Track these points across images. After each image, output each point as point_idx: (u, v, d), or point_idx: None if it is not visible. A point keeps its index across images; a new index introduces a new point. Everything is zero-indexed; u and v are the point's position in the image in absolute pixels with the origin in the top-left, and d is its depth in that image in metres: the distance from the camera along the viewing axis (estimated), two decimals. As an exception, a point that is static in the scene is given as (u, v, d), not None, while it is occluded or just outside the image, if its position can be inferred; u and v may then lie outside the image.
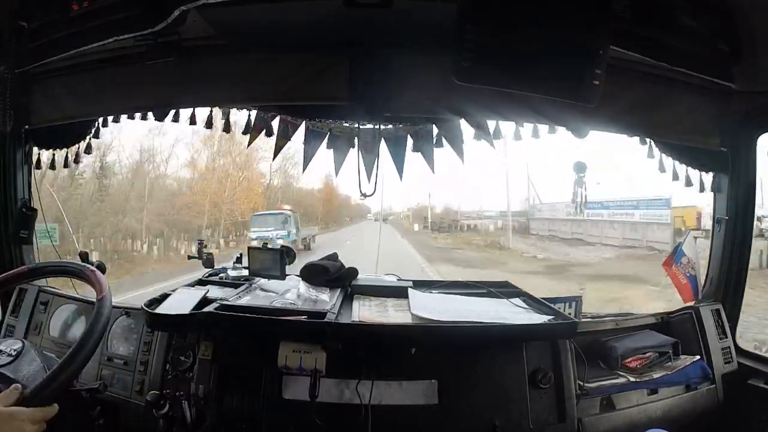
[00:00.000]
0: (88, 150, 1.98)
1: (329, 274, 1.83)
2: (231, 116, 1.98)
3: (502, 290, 1.81)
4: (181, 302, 1.56)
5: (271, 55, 1.64)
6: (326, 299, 1.65)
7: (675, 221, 15.61)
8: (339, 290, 1.77)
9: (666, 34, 1.35)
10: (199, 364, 1.47)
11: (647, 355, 1.62)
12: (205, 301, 1.58)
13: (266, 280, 1.82)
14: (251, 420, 1.41)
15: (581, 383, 1.51)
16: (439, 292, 1.82)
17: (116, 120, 1.93)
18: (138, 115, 1.87)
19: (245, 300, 1.64)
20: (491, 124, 1.96)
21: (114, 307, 1.28)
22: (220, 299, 1.56)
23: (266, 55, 1.64)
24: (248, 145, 2.08)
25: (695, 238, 2.04)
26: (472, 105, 1.65)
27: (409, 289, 1.74)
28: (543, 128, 1.86)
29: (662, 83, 1.64)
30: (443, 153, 2.09)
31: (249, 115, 1.99)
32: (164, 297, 1.60)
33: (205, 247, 2.18)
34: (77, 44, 1.42)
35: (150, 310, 1.46)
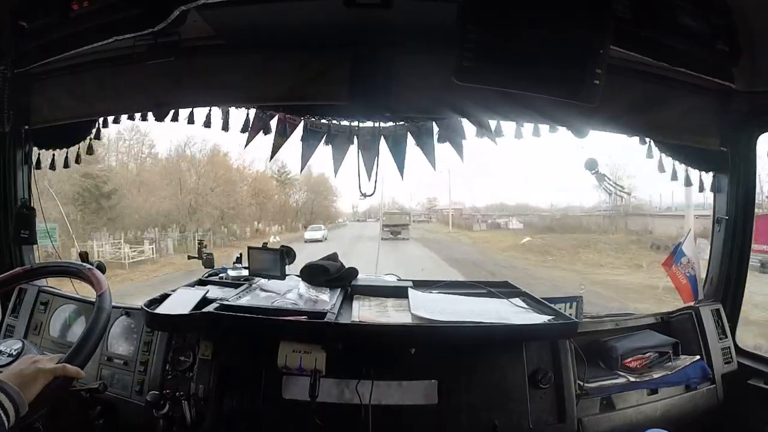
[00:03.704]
0: (90, 151, 1.98)
1: (329, 274, 1.83)
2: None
3: (502, 290, 1.81)
4: (180, 302, 1.56)
5: (271, 55, 1.63)
6: (326, 299, 1.65)
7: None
8: (339, 290, 1.77)
9: (666, 34, 1.35)
10: (199, 364, 1.47)
11: (647, 355, 1.63)
12: (204, 301, 1.58)
13: (266, 280, 1.82)
14: (251, 420, 1.40)
15: (581, 383, 1.51)
16: (439, 292, 1.82)
17: (116, 120, 1.93)
18: (138, 115, 1.88)
19: (245, 300, 1.64)
20: (492, 123, 1.96)
21: (114, 307, 1.29)
22: (220, 299, 1.56)
23: (266, 55, 1.64)
24: (246, 146, 2.06)
25: (695, 237, 2.04)
26: (472, 105, 1.65)
27: (409, 289, 1.74)
28: (543, 128, 1.86)
29: (662, 83, 1.64)
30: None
31: (247, 114, 1.99)
32: (164, 297, 1.60)
33: (206, 246, 2.18)
34: (77, 44, 1.42)
35: (150, 310, 1.46)
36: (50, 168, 1.97)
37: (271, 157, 2.10)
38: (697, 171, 1.86)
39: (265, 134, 2.03)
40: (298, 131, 2.08)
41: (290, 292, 1.69)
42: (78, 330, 1.69)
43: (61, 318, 1.74)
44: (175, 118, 1.89)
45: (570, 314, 1.80)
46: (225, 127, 1.98)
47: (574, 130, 1.72)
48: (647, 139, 1.84)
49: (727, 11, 1.34)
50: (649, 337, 1.72)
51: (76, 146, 1.95)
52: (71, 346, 1.13)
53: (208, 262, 2.12)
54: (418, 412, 1.42)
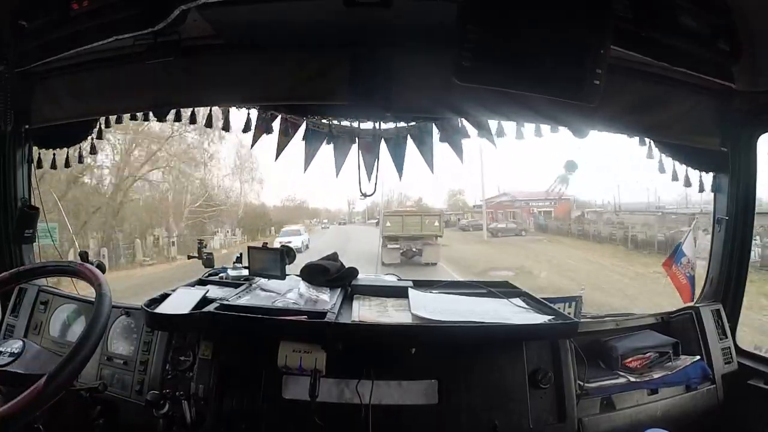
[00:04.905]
0: (93, 150, 1.99)
1: (329, 274, 1.83)
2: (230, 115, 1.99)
3: (502, 290, 1.81)
4: (180, 302, 1.56)
5: (272, 55, 1.64)
6: (326, 299, 1.65)
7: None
8: (339, 290, 1.77)
9: (666, 34, 1.34)
10: (199, 364, 1.47)
11: (647, 355, 1.63)
12: (204, 300, 1.58)
13: (266, 279, 1.82)
14: (251, 420, 1.40)
15: (581, 383, 1.51)
16: (439, 292, 1.82)
17: (119, 120, 1.94)
18: (139, 114, 1.88)
19: (245, 300, 1.64)
20: (492, 123, 1.96)
21: (114, 306, 1.28)
22: (220, 299, 1.56)
23: (266, 55, 1.64)
24: (252, 146, 2.06)
25: (695, 238, 2.04)
26: (472, 105, 1.65)
27: (409, 289, 1.74)
28: (543, 128, 1.87)
29: (662, 83, 1.64)
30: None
31: (248, 115, 1.99)
32: (164, 297, 1.60)
33: (205, 246, 2.18)
34: (77, 44, 1.42)
35: (150, 310, 1.46)
36: (51, 168, 1.97)
37: (276, 158, 2.10)
38: (697, 171, 1.86)
39: (268, 134, 2.04)
40: (301, 131, 2.09)
41: (290, 292, 1.69)
42: (78, 329, 1.69)
43: (61, 317, 1.74)
44: (177, 118, 1.90)
45: (569, 314, 1.80)
46: (226, 126, 1.98)
47: (574, 130, 1.72)
48: (647, 140, 1.84)
49: (727, 11, 1.34)
50: (649, 337, 1.72)
51: (77, 146, 1.96)
52: (71, 345, 1.13)
53: (208, 262, 2.12)
54: (418, 412, 1.42)
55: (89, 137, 1.95)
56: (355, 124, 2.08)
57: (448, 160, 2.16)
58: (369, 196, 2.02)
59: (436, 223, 13.14)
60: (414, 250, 12.13)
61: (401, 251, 12.03)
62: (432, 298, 1.70)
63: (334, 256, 1.97)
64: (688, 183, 1.87)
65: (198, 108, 1.88)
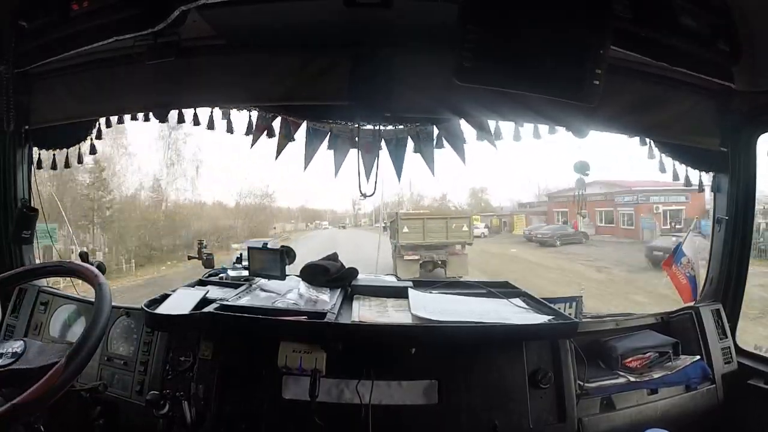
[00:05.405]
0: (93, 151, 1.98)
1: (329, 274, 1.83)
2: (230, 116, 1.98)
3: (502, 290, 1.81)
4: (180, 302, 1.56)
5: (272, 55, 1.63)
6: (326, 299, 1.65)
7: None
8: (339, 290, 1.77)
9: (666, 34, 1.35)
10: (199, 364, 1.47)
11: (647, 355, 1.62)
12: (205, 301, 1.58)
13: (266, 280, 1.82)
14: (251, 420, 1.40)
15: (581, 383, 1.51)
16: (439, 293, 1.82)
17: (120, 121, 1.94)
18: (140, 115, 1.88)
19: (245, 300, 1.64)
20: (492, 124, 1.96)
21: (114, 307, 1.28)
22: (220, 299, 1.56)
23: (266, 55, 1.64)
24: (251, 146, 2.06)
25: (695, 238, 2.04)
26: (472, 105, 1.65)
27: (409, 290, 1.74)
28: (543, 128, 1.87)
29: (662, 83, 1.64)
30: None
31: (249, 116, 1.99)
32: (164, 297, 1.61)
33: (205, 247, 2.18)
34: (77, 44, 1.42)
35: (150, 311, 1.46)
36: (51, 168, 1.97)
37: (276, 157, 2.10)
38: (697, 171, 1.86)
39: (269, 135, 2.03)
40: (302, 132, 2.09)
41: (290, 292, 1.69)
42: (78, 330, 1.69)
43: (61, 318, 1.74)
44: (180, 120, 1.90)
45: (569, 314, 1.80)
46: (229, 128, 1.98)
47: (574, 131, 1.72)
48: (647, 140, 1.84)
49: (727, 11, 1.34)
50: (649, 337, 1.72)
51: (77, 146, 1.96)
52: (71, 345, 1.13)
53: (208, 263, 2.12)
54: (418, 412, 1.42)
55: (89, 137, 1.95)
56: (355, 125, 2.08)
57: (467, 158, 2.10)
58: (369, 196, 2.02)
59: (465, 228, 11.07)
60: (437, 261, 10.22)
61: (420, 263, 10.17)
62: (432, 299, 1.70)
63: (334, 257, 1.97)
64: (688, 183, 1.87)
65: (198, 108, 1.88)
